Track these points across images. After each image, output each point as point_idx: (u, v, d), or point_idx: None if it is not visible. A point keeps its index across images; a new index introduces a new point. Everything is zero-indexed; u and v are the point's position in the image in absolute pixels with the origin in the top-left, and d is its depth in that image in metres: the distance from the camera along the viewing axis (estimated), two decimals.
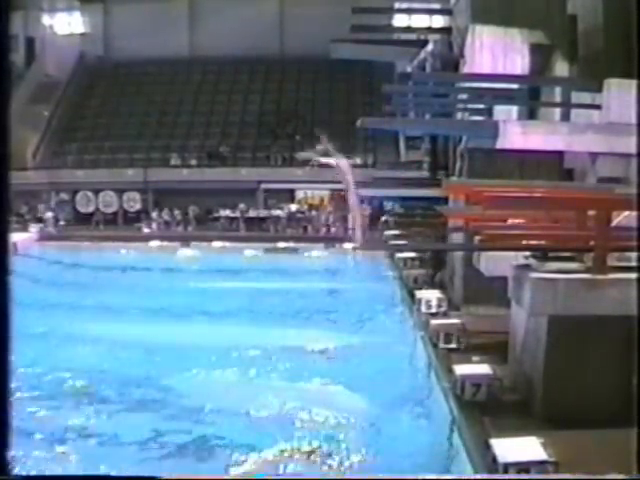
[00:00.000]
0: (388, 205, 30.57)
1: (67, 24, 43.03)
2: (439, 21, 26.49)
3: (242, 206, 33.91)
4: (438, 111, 19.48)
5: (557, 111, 15.31)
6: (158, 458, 9.75)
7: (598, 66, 14.46)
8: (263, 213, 34.31)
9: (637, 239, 8.24)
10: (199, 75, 42.30)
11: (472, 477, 7.46)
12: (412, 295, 15.96)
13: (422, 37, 24.94)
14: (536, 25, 16.09)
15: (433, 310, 14.31)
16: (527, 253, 9.67)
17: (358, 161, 36.33)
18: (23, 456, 8.99)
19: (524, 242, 9.99)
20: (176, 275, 24.56)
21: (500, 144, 12.92)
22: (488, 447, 7.23)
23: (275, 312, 18.43)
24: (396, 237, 23.13)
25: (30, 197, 32.99)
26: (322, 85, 40.53)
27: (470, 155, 15.65)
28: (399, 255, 20.46)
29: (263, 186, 35.49)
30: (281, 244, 29.25)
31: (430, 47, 22.88)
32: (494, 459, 7.02)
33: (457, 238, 15.22)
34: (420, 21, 28.76)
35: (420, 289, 16.06)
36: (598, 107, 13.09)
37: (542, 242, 9.94)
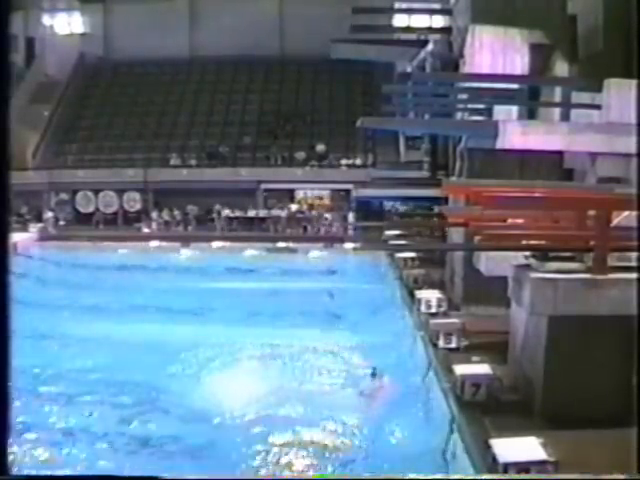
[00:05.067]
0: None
1: (67, 24, 42.99)
2: (439, 21, 26.46)
3: (218, 206, 33.93)
4: (438, 111, 19.47)
5: (557, 111, 15.30)
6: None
7: (598, 66, 14.47)
8: (263, 213, 34.28)
9: (637, 239, 8.25)
10: (199, 75, 42.30)
11: (472, 477, 7.46)
12: (412, 295, 15.95)
13: (422, 37, 24.91)
14: (536, 25, 16.08)
15: (433, 310, 14.30)
16: (527, 253, 9.67)
17: (358, 161, 36.41)
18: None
19: (524, 242, 9.99)
20: (176, 275, 24.54)
21: (500, 144, 12.93)
22: (488, 447, 7.23)
23: (275, 312, 18.42)
24: (396, 237, 23.11)
25: (30, 197, 32.97)
26: (322, 85, 40.53)
27: (470, 155, 15.65)
28: (399, 255, 20.45)
29: (263, 186, 35.47)
30: (281, 244, 29.23)
31: (430, 47, 22.85)
32: (494, 459, 7.02)
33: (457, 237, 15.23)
34: (420, 21, 28.72)
35: (420, 289, 16.05)
36: (598, 107, 13.09)
37: (542, 242, 9.94)
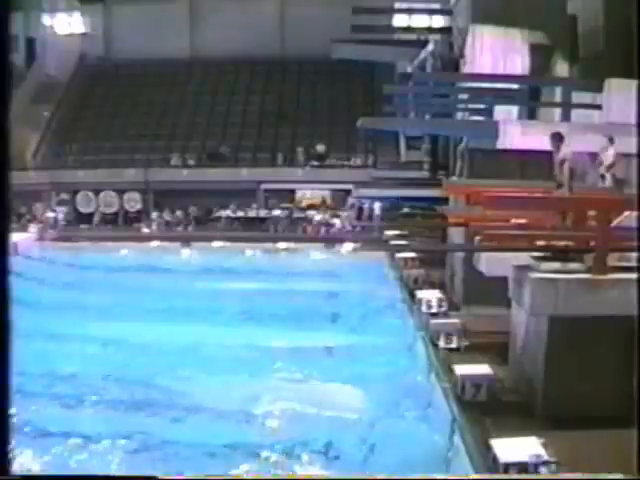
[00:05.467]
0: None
1: (67, 24, 42.96)
2: (439, 21, 26.51)
3: (219, 207, 34.21)
4: (438, 111, 19.49)
5: (557, 111, 15.32)
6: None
7: (598, 66, 14.49)
8: (263, 213, 34.29)
9: (637, 239, 8.25)
10: (200, 76, 42.29)
11: (472, 477, 7.46)
12: (412, 295, 15.95)
13: (422, 37, 24.96)
14: (536, 25, 16.11)
15: (433, 310, 14.30)
16: (532, 253, 9.66)
17: (358, 161, 36.42)
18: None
19: (524, 242, 9.98)
20: (176, 275, 24.52)
21: (500, 144, 12.96)
22: (488, 447, 7.23)
23: (274, 313, 18.41)
24: (396, 237, 23.13)
25: (30, 197, 32.96)
26: (322, 85, 40.52)
27: (470, 155, 15.67)
28: (399, 255, 20.44)
29: (263, 186, 35.49)
30: (281, 244, 29.22)
31: (430, 47, 22.88)
32: (494, 459, 7.02)
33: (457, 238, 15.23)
34: (420, 21, 28.76)
35: (420, 289, 16.05)
36: (598, 107, 13.11)
37: (542, 242, 9.94)
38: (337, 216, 32.90)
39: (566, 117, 14.78)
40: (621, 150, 11.94)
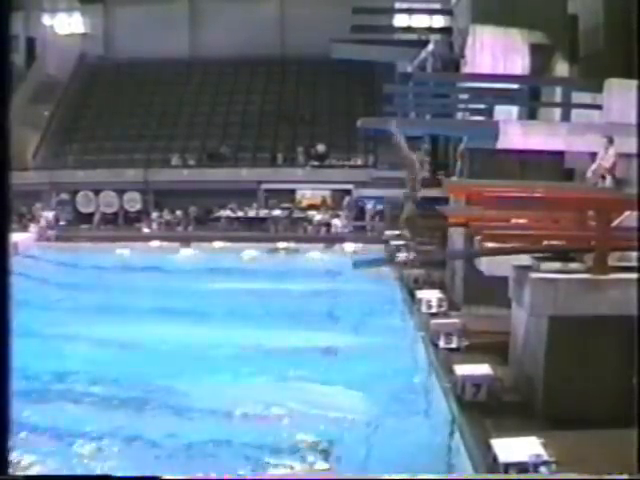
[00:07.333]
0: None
1: (68, 24, 43.00)
2: (440, 21, 26.54)
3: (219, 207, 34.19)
4: (438, 111, 19.49)
5: (557, 111, 15.33)
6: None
7: (599, 66, 14.49)
8: (263, 213, 34.29)
9: (637, 239, 8.25)
10: (200, 75, 42.30)
11: (472, 477, 7.46)
12: (412, 295, 15.95)
13: (423, 37, 24.95)
14: (536, 25, 16.11)
15: (433, 310, 14.30)
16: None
17: (359, 161, 36.42)
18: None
19: (525, 243, 9.97)
20: (176, 275, 24.52)
21: (500, 144, 12.96)
22: (488, 447, 7.23)
23: (274, 313, 18.41)
24: (396, 237, 23.15)
25: (30, 197, 32.95)
26: (323, 85, 40.52)
27: (471, 155, 15.66)
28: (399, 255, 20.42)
29: (264, 186, 35.49)
30: (281, 244, 29.22)
31: (431, 47, 22.87)
32: (494, 459, 7.02)
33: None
34: (421, 21, 28.80)
35: (420, 289, 16.04)
36: (598, 107, 13.11)
37: (542, 242, 9.93)
38: (337, 216, 32.93)
39: (566, 117, 14.78)
40: (621, 150, 11.95)
